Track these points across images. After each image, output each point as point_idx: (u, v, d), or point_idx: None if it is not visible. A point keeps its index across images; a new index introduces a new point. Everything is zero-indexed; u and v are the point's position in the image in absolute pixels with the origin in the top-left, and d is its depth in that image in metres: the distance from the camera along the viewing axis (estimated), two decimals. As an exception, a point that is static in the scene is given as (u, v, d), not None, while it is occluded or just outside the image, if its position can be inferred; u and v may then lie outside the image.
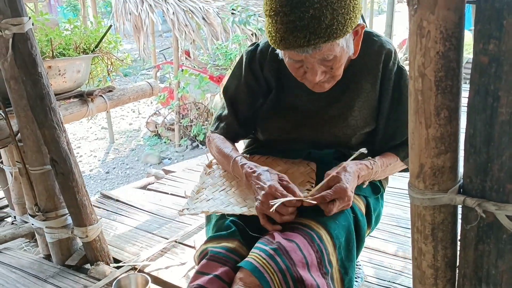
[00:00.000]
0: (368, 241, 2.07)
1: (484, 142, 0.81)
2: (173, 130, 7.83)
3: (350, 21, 1.13)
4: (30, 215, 1.93)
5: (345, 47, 1.20)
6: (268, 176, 1.22)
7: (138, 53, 13.24)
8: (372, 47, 1.35)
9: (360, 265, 1.78)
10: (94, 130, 9.24)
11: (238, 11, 6.70)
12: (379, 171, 1.36)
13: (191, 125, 7.54)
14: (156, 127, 8.20)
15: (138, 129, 9.08)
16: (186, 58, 8.48)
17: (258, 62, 1.43)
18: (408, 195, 2.42)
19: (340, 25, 1.11)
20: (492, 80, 0.77)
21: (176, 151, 7.55)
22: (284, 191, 1.17)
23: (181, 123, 7.55)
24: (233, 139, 1.52)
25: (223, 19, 6.59)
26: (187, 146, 7.62)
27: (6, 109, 1.83)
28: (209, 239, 1.23)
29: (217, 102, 7.53)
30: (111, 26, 2.22)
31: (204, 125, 7.53)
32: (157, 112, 8.40)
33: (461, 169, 0.90)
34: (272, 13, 1.13)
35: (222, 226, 1.24)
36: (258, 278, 1.05)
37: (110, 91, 2.19)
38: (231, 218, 1.25)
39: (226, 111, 1.51)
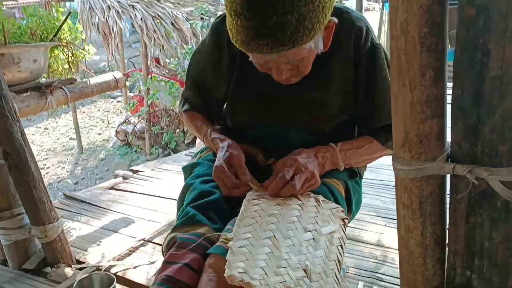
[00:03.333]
0: (347, 231, 2.01)
1: (473, 102, 0.75)
2: (144, 138, 7.66)
3: (318, 24, 1.03)
4: (-19, 216, 1.78)
5: (313, 47, 1.10)
6: (221, 154, 1.25)
7: (106, 63, 13.10)
8: (342, 26, 1.22)
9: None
10: (62, 141, 8.98)
11: (207, 16, 6.64)
12: (349, 152, 1.29)
13: (162, 133, 7.40)
14: (126, 136, 8.02)
15: (107, 139, 8.87)
16: (156, 66, 8.35)
17: (226, 36, 1.26)
18: (385, 186, 2.36)
19: (307, 30, 1.01)
20: (481, 33, 0.71)
21: (147, 160, 7.38)
22: (229, 175, 1.19)
23: (151, 130, 7.40)
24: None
25: (192, 24, 6.51)
26: (158, 154, 7.45)
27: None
28: (177, 227, 1.13)
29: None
30: (70, 13, 2.10)
31: (175, 133, 7.40)
32: (126, 121, 8.21)
33: (448, 137, 0.84)
34: (233, 13, 1.02)
35: (188, 214, 1.15)
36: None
37: (71, 83, 2.06)
38: (195, 204, 1.17)
39: (190, 91, 1.45)
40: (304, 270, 0.95)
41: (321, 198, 1.15)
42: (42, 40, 1.96)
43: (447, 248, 0.89)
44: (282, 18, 0.98)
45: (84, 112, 10.52)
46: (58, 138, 9.13)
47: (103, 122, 9.94)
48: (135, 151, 7.82)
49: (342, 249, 1.07)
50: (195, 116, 1.46)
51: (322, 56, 1.19)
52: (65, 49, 2.09)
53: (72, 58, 2.14)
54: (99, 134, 9.28)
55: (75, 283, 1.35)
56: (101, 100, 11.36)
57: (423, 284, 0.92)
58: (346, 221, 1.16)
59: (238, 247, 0.95)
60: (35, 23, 1.92)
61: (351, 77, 1.29)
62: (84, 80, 2.16)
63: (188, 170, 1.39)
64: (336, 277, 1.00)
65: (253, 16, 0.98)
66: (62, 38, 2.04)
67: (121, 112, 9.90)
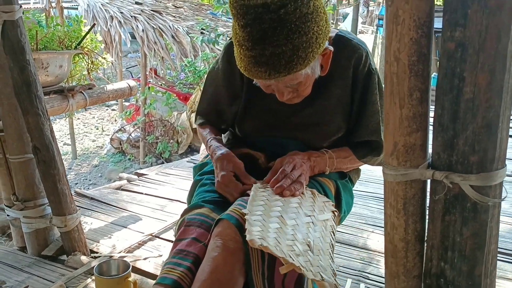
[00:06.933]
0: (337, 236, 2.16)
1: (451, 119, 0.91)
2: (138, 147, 7.76)
3: (312, 53, 1.16)
4: (6, 205, 1.92)
5: (310, 72, 1.24)
6: (223, 165, 1.36)
7: (102, 72, 13.20)
8: (343, 52, 1.36)
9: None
10: (56, 146, 9.02)
11: (207, 31, 6.81)
12: (336, 160, 1.43)
13: (156, 142, 7.52)
14: (121, 144, 8.11)
15: (101, 146, 8.95)
16: (154, 77, 8.49)
17: None
18: (373, 198, 2.58)
19: (300, 59, 1.14)
20: (458, 63, 0.87)
21: (141, 168, 7.47)
22: (236, 183, 1.32)
23: (146, 139, 7.51)
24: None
25: (192, 38, 6.68)
26: (151, 163, 7.55)
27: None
28: (184, 212, 1.32)
29: (183, 120, 7.56)
30: (94, 24, 2.26)
31: (169, 143, 7.52)
32: (122, 129, 8.31)
33: (430, 148, 1.00)
34: (237, 43, 1.18)
35: (196, 202, 1.34)
36: (236, 226, 1.13)
37: (90, 88, 2.23)
38: (205, 199, 1.34)
39: (205, 106, 1.59)
40: (308, 245, 1.11)
41: (315, 191, 1.32)
42: (67, 48, 2.12)
43: (425, 243, 1.04)
44: (277, 49, 1.12)
45: (78, 118, 10.60)
46: (52, 143, 9.16)
47: (97, 129, 10.03)
48: (129, 159, 7.91)
49: (334, 235, 1.24)
50: (206, 127, 1.59)
51: (323, 78, 1.34)
52: (86, 57, 2.25)
53: (91, 65, 2.30)
54: (93, 141, 9.36)
55: (95, 266, 1.47)
56: (96, 107, 11.43)
57: (404, 275, 1.06)
58: (336, 213, 1.32)
59: (254, 220, 1.11)
60: (62, 32, 2.08)
61: (348, 99, 1.43)
62: (102, 86, 2.33)
63: (197, 168, 1.54)
64: (331, 256, 1.15)
65: (252, 47, 1.13)
66: (84, 46, 2.20)
67: (115, 120, 9.99)
